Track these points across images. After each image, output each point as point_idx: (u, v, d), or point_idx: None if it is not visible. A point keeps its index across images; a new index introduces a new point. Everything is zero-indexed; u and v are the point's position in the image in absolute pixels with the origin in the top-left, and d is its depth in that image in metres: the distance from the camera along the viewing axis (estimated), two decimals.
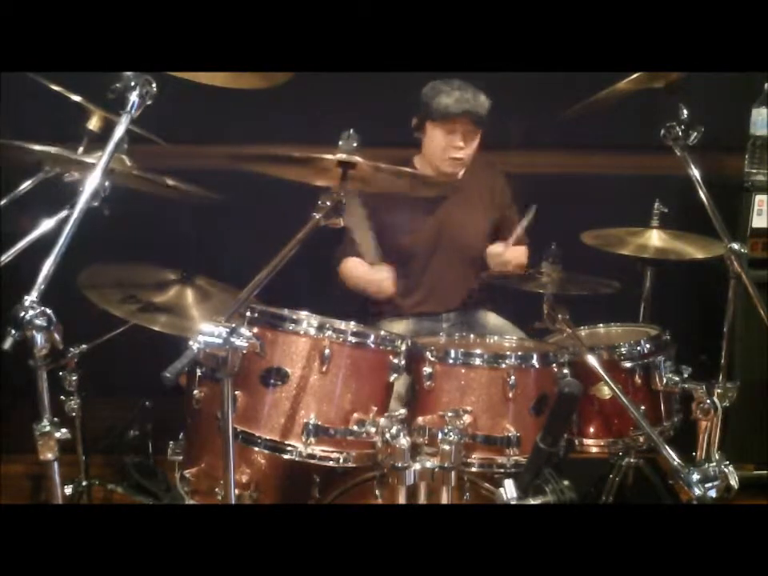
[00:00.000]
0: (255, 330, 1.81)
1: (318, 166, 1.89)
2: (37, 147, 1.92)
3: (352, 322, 1.88)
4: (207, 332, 1.49)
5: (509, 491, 1.66)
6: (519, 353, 1.97)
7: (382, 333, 1.96)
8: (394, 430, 1.74)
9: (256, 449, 1.84)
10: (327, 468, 1.86)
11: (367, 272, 2.53)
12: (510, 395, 1.88)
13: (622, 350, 2.08)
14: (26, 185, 2.04)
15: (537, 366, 1.94)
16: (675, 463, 1.77)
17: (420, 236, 2.59)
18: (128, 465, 2.66)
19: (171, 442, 2.05)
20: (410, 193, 2.40)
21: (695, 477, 1.75)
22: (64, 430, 1.44)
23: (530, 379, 1.93)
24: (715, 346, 2.28)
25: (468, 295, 2.66)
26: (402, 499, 1.75)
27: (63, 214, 1.71)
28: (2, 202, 2.03)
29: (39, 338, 1.37)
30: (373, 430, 1.80)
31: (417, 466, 1.74)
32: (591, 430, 2.08)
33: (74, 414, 2.22)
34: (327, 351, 1.81)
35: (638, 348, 2.08)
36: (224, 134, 2.92)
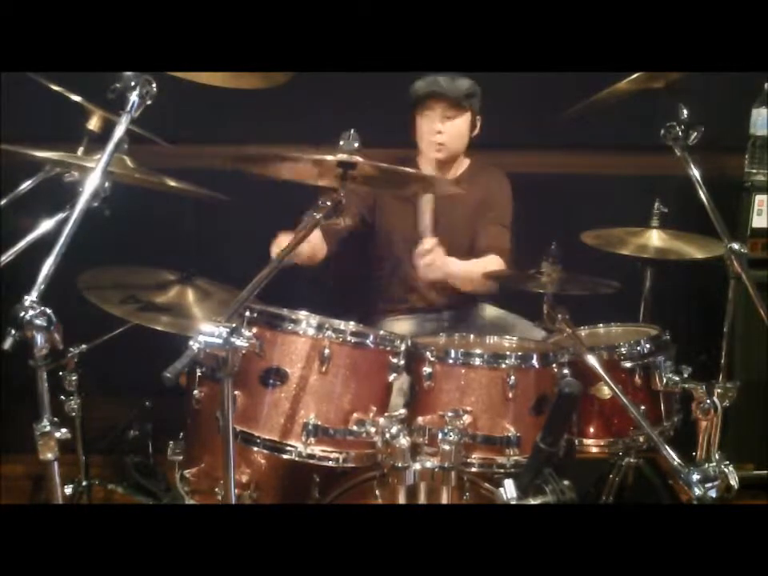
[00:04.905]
0: (254, 330, 1.81)
1: (319, 166, 1.89)
2: (39, 153, 1.92)
3: (351, 322, 1.88)
4: (207, 332, 1.49)
5: (509, 491, 1.66)
6: (519, 353, 1.97)
7: (382, 333, 1.96)
8: (394, 430, 1.74)
9: (255, 449, 1.84)
10: (327, 468, 1.85)
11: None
12: (510, 395, 1.88)
13: (622, 350, 2.08)
14: (26, 185, 2.04)
15: (537, 366, 1.94)
16: (675, 463, 1.77)
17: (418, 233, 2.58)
18: (128, 465, 2.66)
19: (171, 442, 2.05)
20: (411, 193, 2.40)
21: (695, 477, 1.75)
22: (64, 430, 1.44)
23: (529, 379, 1.93)
24: (715, 346, 2.28)
25: (467, 292, 2.65)
26: (402, 499, 1.75)
27: (63, 214, 1.71)
28: (2, 202, 2.03)
29: (39, 338, 1.37)
30: (372, 430, 1.80)
31: (417, 466, 1.74)
32: (591, 430, 2.08)
33: (73, 413, 2.22)
34: (327, 351, 1.81)
35: (638, 348, 2.08)
36: (224, 134, 2.92)
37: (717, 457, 1.85)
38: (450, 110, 2.46)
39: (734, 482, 1.77)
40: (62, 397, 2.20)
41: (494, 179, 2.66)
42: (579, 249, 2.31)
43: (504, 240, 2.56)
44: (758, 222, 2.78)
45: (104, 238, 2.21)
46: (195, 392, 1.97)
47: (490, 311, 2.66)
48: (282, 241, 2.31)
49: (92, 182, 1.53)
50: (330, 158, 1.79)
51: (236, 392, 1.78)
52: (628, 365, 2.06)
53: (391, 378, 1.89)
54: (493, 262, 2.47)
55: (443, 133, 2.48)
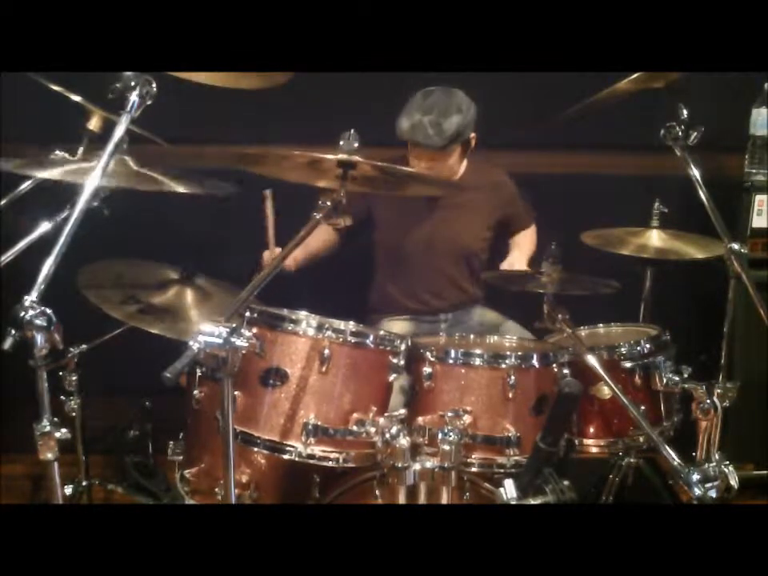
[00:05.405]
0: (255, 330, 1.81)
1: (319, 166, 1.89)
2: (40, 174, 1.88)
3: (351, 322, 1.88)
4: (207, 332, 1.49)
5: (509, 491, 1.66)
6: (519, 353, 1.97)
7: (381, 333, 1.96)
8: (393, 430, 1.74)
9: (255, 449, 1.84)
10: (327, 468, 1.85)
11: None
12: (510, 395, 1.88)
13: (622, 350, 2.08)
14: (26, 185, 2.04)
15: (537, 366, 1.94)
16: (675, 463, 1.77)
17: (415, 235, 2.58)
18: (128, 465, 2.66)
19: (171, 442, 2.05)
20: (410, 194, 2.39)
21: (695, 477, 1.75)
22: (64, 430, 1.44)
23: (530, 379, 1.93)
24: (715, 345, 2.28)
25: (464, 295, 2.66)
26: (402, 499, 1.75)
27: (63, 214, 1.71)
28: (2, 202, 2.03)
29: (39, 338, 1.37)
30: (372, 430, 1.80)
31: (417, 466, 1.74)
32: (591, 430, 2.08)
33: (74, 414, 2.22)
34: (326, 351, 1.81)
35: (638, 348, 2.09)
36: (224, 134, 2.92)
37: (717, 457, 1.85)
38: (436, 154, 2.42)
39: (733, 482, 1.77)
40: (62, 397, 2.20)
41: (492, 175, 2.68)
42: (579, 249, 2.31)
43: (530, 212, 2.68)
44: (757, 221, 2.78)
45: (104, 238, 2.21)
46: (195, 392, 1.97)
47: (485, 314, 2.66)
48: (267, 258, 2.33)
49: (92, 182, 1.53)
50: (329, 157, 1.79)
51: (236, 392, 1.78)
52: (628, 365, 2.06)
53: (391, 378, 1.89)
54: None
55: (433, 169, 2.45)
